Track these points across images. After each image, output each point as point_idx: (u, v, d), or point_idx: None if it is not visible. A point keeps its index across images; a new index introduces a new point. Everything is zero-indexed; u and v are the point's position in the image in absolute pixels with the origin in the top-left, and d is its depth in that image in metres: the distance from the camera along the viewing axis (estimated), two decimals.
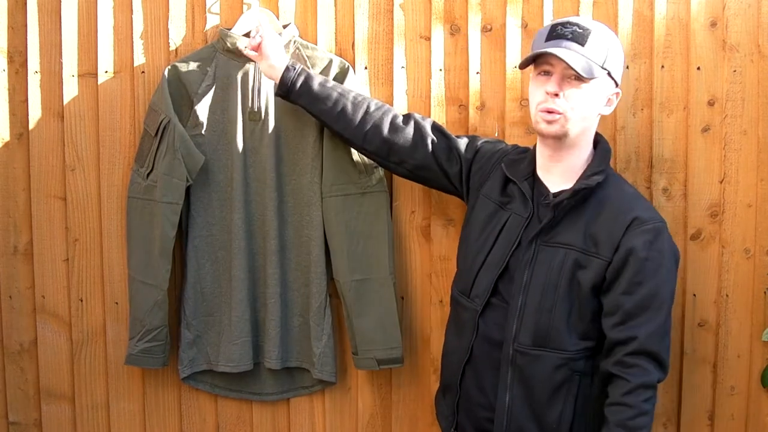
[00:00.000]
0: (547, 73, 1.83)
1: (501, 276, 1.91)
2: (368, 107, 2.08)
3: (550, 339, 1.84)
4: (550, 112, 1.83)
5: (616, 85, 1.89)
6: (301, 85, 2.06)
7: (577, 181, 1.87)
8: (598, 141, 1.94)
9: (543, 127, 1.85)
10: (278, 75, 2.08)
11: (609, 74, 1.84)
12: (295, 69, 2.07)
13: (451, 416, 2.02)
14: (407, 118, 2.10)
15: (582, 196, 1.85)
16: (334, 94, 2.07)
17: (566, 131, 1.84)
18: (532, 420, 1.86)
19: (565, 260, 1.84)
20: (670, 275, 1.84)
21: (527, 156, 1.99)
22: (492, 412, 1.91)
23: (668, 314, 1.83)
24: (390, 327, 2.21)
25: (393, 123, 2.08)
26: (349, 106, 2.07)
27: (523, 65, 1.89)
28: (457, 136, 2.10)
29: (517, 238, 1.90)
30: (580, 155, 1.90)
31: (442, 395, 2.07)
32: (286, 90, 2.08)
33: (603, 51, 1.82)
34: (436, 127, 2.10)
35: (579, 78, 1.80)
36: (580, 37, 1.81)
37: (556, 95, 1.82)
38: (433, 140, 2.07)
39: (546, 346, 1.84)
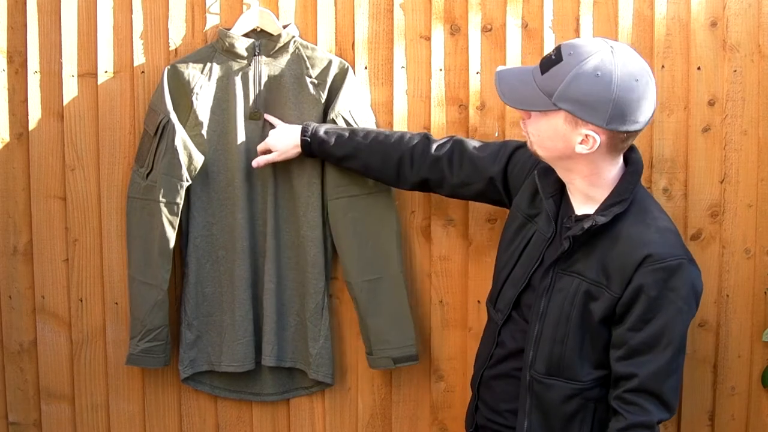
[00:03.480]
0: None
1: (524, 291, 1.89)
2: (387, 152, 2.08)
3: (563, 369, 1.81)
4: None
5: (597, 125, 1.70)
6: (319, 148, 2.12)
7: (596, 211, 1.79)
8: (629, 158, 1.82)
9: None
10: (299, 150, 2.14)
11: (569, 112, 1.70)
12: (309, 142, 2.11)
13: (470, 417, 2.04)
14: (426, 145, 2.07)
15: (591, 232, 1.78)
16: (350, 149, 2.10)
17: (536, 151, 1.82)
18: None
19: (578, 291, 1.80)
20: (682, 315, 1.75)
21: None
22: (500, 416, 1.93)
23: (676, 354, 1.75)
24: (404, 325, 2.21)
25: (418, 157, 2.07)
26: (372, 157, 2.09)
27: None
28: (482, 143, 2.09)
29: (540, 257, 1.87)
30: (588, 182, 1.80)
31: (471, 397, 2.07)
32: (309, 154, 2.15)
33: (555, 84, 1.70)
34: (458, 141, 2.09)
35: None
36: (547, 63, 1.73)
37: (522, 118, 1.81)
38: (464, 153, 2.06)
39: (559, 375, 1.82)
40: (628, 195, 1.79)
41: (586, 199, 1.83)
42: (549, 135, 1.76)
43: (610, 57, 1.70)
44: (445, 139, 2.10)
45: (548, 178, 1.89)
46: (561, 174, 1.85)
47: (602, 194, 1.80)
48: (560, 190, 1.88)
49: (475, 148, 2.06)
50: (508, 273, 1.94)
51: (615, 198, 1.78)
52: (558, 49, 1.73)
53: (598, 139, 1.72)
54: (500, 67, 1.83)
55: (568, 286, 1.81)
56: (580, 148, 1.73)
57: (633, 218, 1.79)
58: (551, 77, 1.71)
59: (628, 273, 1.74)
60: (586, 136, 1.72)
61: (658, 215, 1.83)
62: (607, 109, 1.69)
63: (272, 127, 2.19)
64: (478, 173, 2.04)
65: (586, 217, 1.80)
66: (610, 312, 1.77)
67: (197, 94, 2.18)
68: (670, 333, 1.74)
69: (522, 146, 2.01)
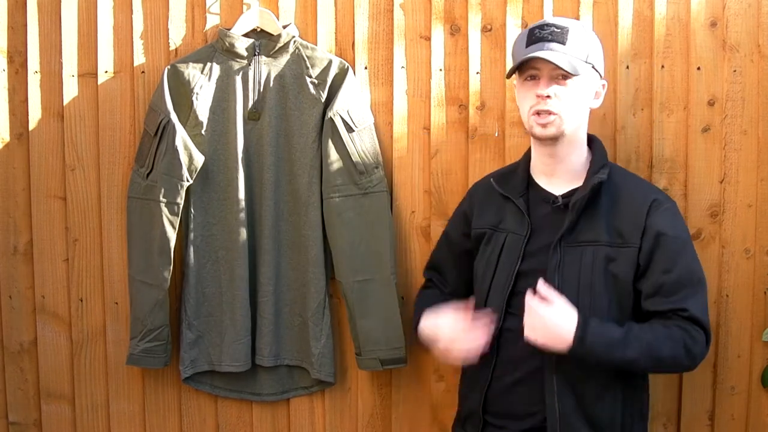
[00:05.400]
0: (534, 77, 1.84)
1: (511, 295, 1.89)
2: None
3: None
4: (541, 114, 1.83)
5: (601, 77, 1.92)
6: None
7: (586, 179, 1.87)
8: (592, 140, 1.95)
9: (538, 131, 1.85)
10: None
11: (593, 67, 1.87)
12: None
13: None
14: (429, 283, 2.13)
15: (597, 190, 1.86)
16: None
17: (562, 131, 1.84)
18: (584, 422, 1.84)
19: (595, 257, 1.83)
20: (694, 252, 1.88)
21: (518, 168, 1.98)
22: (524, 421, 1.88)
23: (706, 289, 1.87)
24: (393, 327, 2.21)
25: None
26: None
27: (510, 73, 1.89)
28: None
29: (519, 256, 1.89)
30: (580, 153, 1.91)
31: (462, 428, 2.02)
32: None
33: (584, 46, 1.85)
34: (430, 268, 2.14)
35: (566, 76, 1.83)
36: (559, 36, 1.83)
37: (548, 96, 1.83)
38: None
39: None
40: (606, 160, 1.92)
41: (572, 177, 1.90)
42: (580, 99, 1.87)
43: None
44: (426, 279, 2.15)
45: (510, 182, 1.97)
46: (565, 150, 1.89)
47: (582, 169, 1.91)
48: (526, 189, 1.94)
49: (440, 257, 2.12)
50: (489, 284, 1.93)
51: (598, 164, 1.90)
52: (550, 24, 1.85)
53: (606, 84, 1.94)
54: (530, 54, 1.83)
55: (580, 257, 1.84)
56: (594, 103, 1.92)
57: (621, 179, 1.92)
58: (576, 43, 1.84)
59: (641, 220, 1.84)
60: (599, 87, 1.92)
61: (632, 174, 2.02)
62: (603, 58, 1.94)
63: (274, 128, 2.18)
64: (455, 259, 2.07)
65: (574, 192, 1.88)
66: (634, 267, 1.83)
67: (197, 94, 2.18)
68: (697, 269, 1.86)
69: (457, 209, 2.10)
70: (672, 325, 1.78)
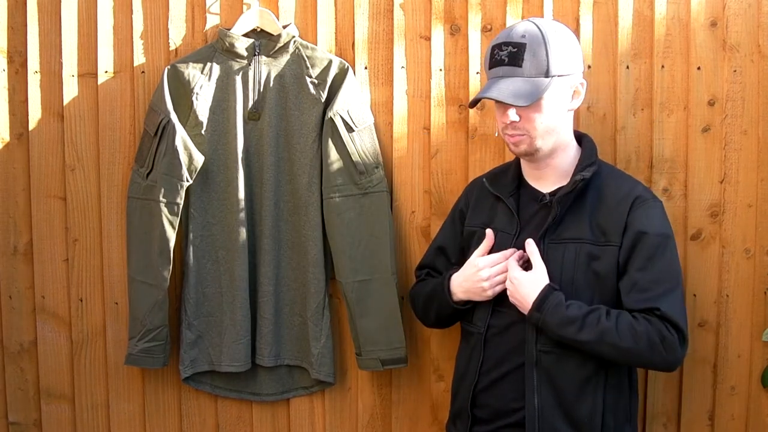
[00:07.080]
0: (501, 102, 1.84)
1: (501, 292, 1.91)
2: None
3: None
4: (511, 135, 1.86)
5: (581, 72, 1.89)
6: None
7: (572, 176, 1.89)
8: (582, 138, 1.96)
9: (512, 148, 1.90)
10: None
11: (560, 75, 1.82)
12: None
13: None
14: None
15: (581, 187, 1.87)
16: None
17: (536, 147, 1.86)
18: (563, 419, 1.85)
19: (577, 254, 1.85)
20: (675, 252, 1.88)
21: (510, 168, 2.01)
22: (511, 416, 1.89)
23: (681, 288, 1.86)
24: (393, 327, 2.21)
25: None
26: None
27: (472, 105, 1.92)
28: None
29: None
30: (566, 154, 1.92)
31: (453, 424, 2.03)
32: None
33: (542, 61, 1.80)
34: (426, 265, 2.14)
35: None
36: (515, 57, 1.81)
37: (513, 121, 1.84)
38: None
39: None
40: (595, 158, 1.92)
41: (560, 176, 1.91)
42: (556, 109, 1.84)
43: (543, 21, 1.87)
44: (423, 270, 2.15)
45: (501, 180, 1.99)
46: (545, 160, 1.90)
47: (571, 167, 1.92)
48: (517, 189, 1.96)
49: (433, 262, 2.11)
50: None
51: (585, 162, 1.90)
52: (507, 43, 1.82)
53: (585, 82, 1.89)
54: (482, 93, 1.84)
55: (562, 254, 1.86)
56: (574, 104, 1.89)
57: (606, 176, 1.92)
58: (533, 59, 1.81)
59: (623, 218, 1.84)
60: (575, 89, 1.88)
61: (620, 171, 2.00)
62: (580, 53, 1.90)
63: (274, 128, 2.18)
64: (449, 262, 2.07)
65: (559, 189, 1.89)
66: (616, 265, 1.83)
67: (197, 94, 2.18)
68: (675, 268, 1.85)
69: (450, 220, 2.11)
70: (641, 319, 1.79)
